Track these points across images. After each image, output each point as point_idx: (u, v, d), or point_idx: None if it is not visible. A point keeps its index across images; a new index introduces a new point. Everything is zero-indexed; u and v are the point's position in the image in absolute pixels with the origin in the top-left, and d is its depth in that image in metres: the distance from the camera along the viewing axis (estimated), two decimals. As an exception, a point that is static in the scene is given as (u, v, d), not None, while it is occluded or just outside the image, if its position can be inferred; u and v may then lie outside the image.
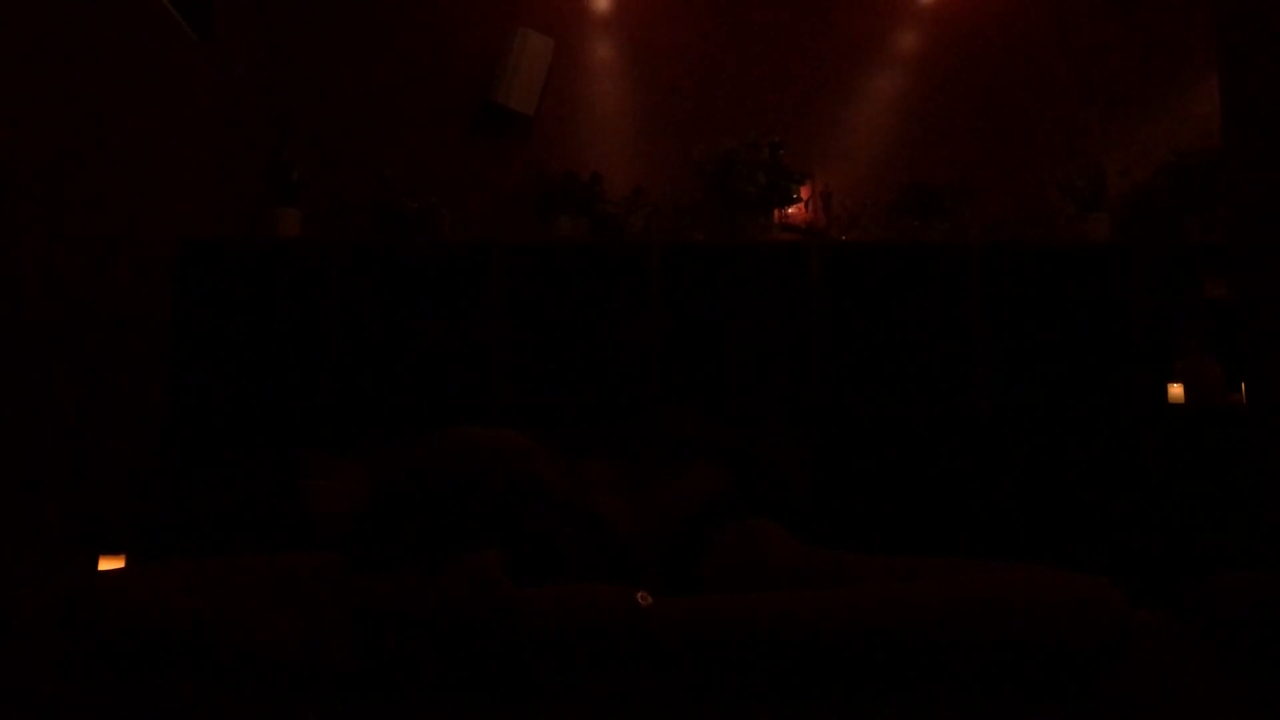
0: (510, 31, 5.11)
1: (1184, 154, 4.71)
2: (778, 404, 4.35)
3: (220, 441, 4.16)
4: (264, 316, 4.39)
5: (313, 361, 4.25)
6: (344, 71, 5.22)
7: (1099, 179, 4.64)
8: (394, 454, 1.14)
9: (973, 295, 4.23)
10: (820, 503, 4.03)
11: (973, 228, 4.86)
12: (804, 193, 4.79)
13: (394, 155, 5.05)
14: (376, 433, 4.14)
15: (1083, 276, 4.43)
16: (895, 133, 5.19)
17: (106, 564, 3.26)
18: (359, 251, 4.40)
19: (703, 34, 5.29)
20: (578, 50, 5.27)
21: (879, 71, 5.27)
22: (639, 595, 0.92)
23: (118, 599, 1.02)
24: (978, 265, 4.25)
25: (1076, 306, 4.43)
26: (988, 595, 0.92)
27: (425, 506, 1.07)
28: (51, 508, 3.21)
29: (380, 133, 5.15)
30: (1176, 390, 4.13)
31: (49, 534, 3.18)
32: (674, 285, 4.35)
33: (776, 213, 4.61)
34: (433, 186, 4.83)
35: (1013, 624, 0.88)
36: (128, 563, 3.29)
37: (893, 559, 1.23)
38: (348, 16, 5.28)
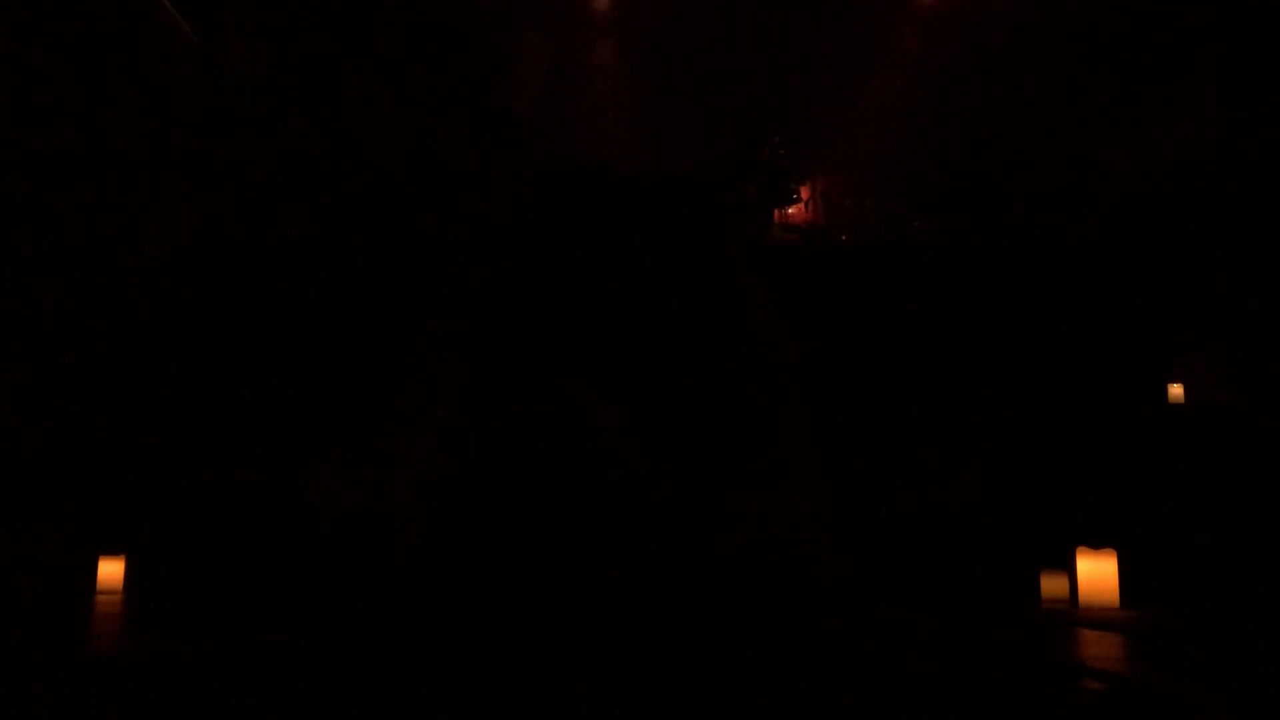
0: (510, 31, 5.10)
1: (1185, 154, 4.70)
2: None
3: (220, 441, 4.15)
4: (264, 316, 4.38)
5: (313, 361, 4.25)
6: (344, 72, 5.21)
7: (1100, 179, 4.64)
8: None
9: (973, 295, 4.23)
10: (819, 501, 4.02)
11: (973, 228, 4.86)
12: (804, 193, 4.80)
13: (393, 156, 5.04)
14: (376, 433, 4.14)
15: (1083, 276, 4.43)
16: (895, 132, 5.19)
17: (106, 564, 3.25)
18: (360, 251, 4.39)
19: (703, 35, 5.28)
20: (578, 50, 5.27)
21: (879, 71, 5.27)
22: None
23: None
24: (978, 265, 4.25)
25: (1076, 306, 4.43)
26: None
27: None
28: (51, 508, 3.20)
29: (380, 133, 5.15)
30: (1176, 390, 4.13)
31: (49, 534, 3.18)
32: (674, 285, 4.35)
33: (776, 213, 4.61)
34: (432, 187, 4.83)
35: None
36: (127, 563, 3.29)
37: None
38: (347, 17, 5.28)
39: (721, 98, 5.30)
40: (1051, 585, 3.44)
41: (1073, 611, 3.22)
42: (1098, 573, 3.33)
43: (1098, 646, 2.15)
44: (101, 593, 3.20)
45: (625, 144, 5.22)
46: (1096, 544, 3.53)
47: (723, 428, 1.39)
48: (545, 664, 0.91)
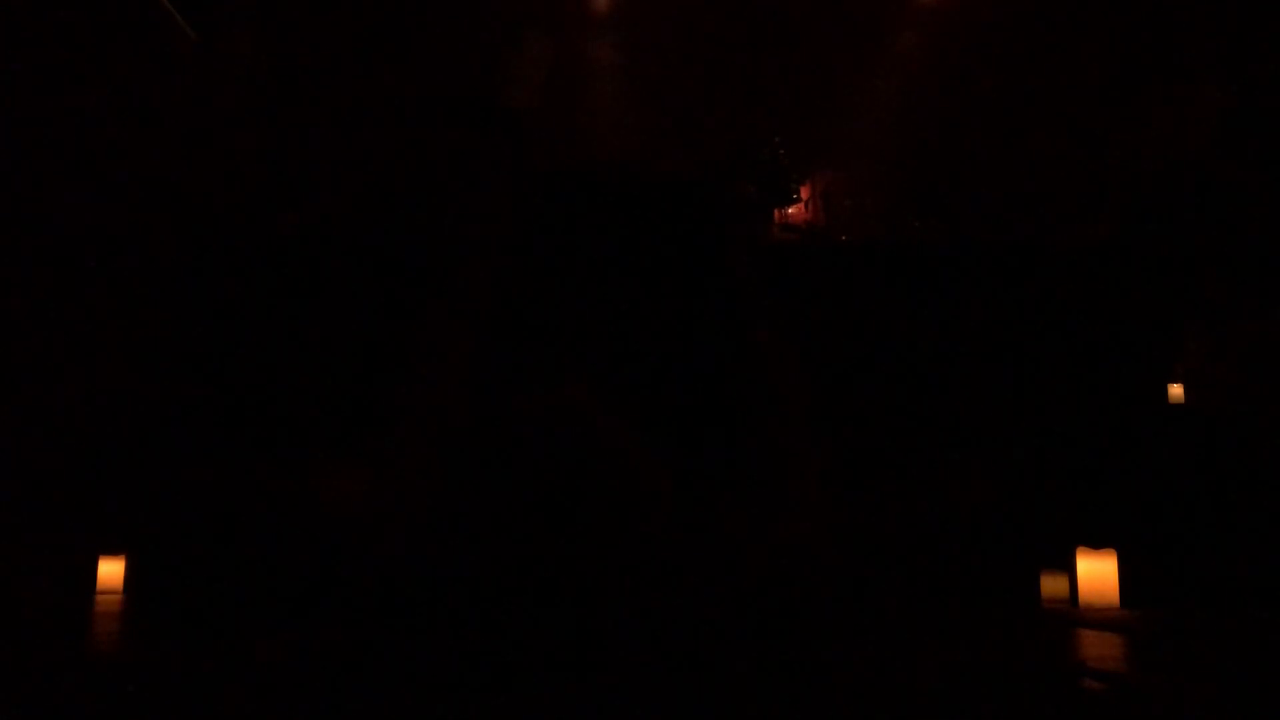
0: (510, 31, 5.10)
1: (1183, 154, 4.70)
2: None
3: (221, 441, 4.14)
4: (264, 315, 4.38)
5: (313, 361, 4.24)
6: (343, 71, 5.21)
7: (1099, 179, 4.64)
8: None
9: (973, 295, 4.23)
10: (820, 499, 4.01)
11: (973, 228, 4.86)
12: (804, 193, 4.79)
13: (393, 155, 5.04)
14: (377, 432, 4.13)
15: (1083, 276, 4.42)
16: (895, 132, 5.19)
17: (106, 564, 3.25)
18: (360, 251, 4.39)
19: (703, 34, 5.28)
20: (578, 50, 5.27)
21: (879, 71, 5.27)
22: None
23: None
24: (978, 265, 4.25)
25: (1076, 306, 4.42)
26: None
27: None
28: (51, 508, 3.20)
29: (380, 133, 5.14)
30: (1176, 390, 4.13)
31: (49, 534, 3.18)
32: (674, 285, 4.34)
33: (776, 213, 4.61)
34: (432, 186, 4.82)
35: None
36: (127, 563, 3.29)
37: None
38: (347, 17, 5.27)
39: (721, 97, 5.30)
40: (1051, 585, 3.44)
41: (1073, 611, 3.22)
42: (1098, 573, 3.33)
43: (1098, 646, 2.15)
44: (101, 593, 3.20)
45: (625, 143, 5.22)
46: (1096, 544, 3.53)
47: (723, 428, 1.39)
48: (546, 667, 0.91)
